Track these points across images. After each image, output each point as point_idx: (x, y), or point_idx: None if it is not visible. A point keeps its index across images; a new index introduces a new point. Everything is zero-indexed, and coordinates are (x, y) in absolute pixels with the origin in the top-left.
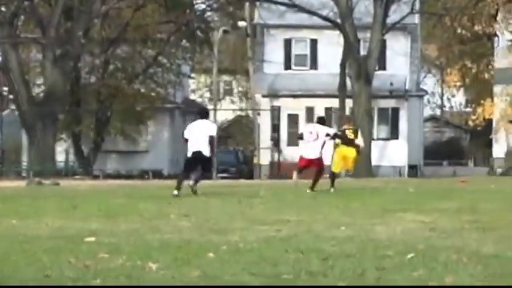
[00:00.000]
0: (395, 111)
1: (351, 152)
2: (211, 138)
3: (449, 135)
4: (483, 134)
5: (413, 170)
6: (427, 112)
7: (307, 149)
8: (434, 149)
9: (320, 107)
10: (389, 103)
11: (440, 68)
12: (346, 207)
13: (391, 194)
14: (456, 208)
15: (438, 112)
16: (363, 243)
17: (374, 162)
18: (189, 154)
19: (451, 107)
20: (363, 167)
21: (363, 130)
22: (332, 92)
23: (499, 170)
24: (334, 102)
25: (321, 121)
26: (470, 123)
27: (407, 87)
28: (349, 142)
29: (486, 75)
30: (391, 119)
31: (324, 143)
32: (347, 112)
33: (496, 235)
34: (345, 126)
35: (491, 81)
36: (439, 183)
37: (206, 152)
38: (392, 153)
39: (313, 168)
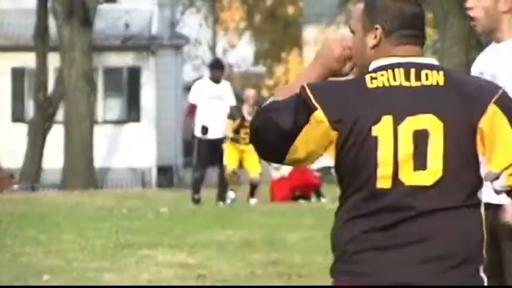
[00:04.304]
0: (135, 73)
1: None
2: None
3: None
4: None
5: (165, 175)
6: (190, 75)
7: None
8: None
9: (3, 66)
10: (125, 59)
11: None
12: (50, 243)
13: (129, 219)
14: (241, 241)
15: (208, 74)
16: None
17: (99, 161)
18: None
19: (230, 66)
20: (81, 170)
21: (78, 105)
22: (24, 42)
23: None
24: (28, 59)
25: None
26: (266, 93)
27: (154, 32)
28: None
29: (290, 10)
30: (128, 87)
31: None
32: (51, 75)
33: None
34: None
35: (299, 20)
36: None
37: None
38: (131, 147)
39: None
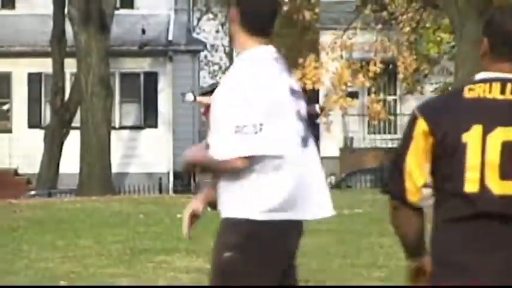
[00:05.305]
0: (152, 78)
1: None
2: None
3: None
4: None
5: (182, 180)
6: (207, 80)
7: None
8: None
9: (20, 72)
10: (141, 65)
11: (226, 3)
12: (67, 248)
13: (146, 224)
14: None
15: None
16: None
17: (116, 167)
18: None
19: None
20: (98, 175)
21: (95, 111)
22: (40, 47)
23: (331, 179)
24: (45, 64)
25: None
26: None
27: (171, 38)
28: None
29: (307, 15)
30: (145, 92)
31: None
32: (68, 81)
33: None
34: None
35: (315, 26)
36: None
37: None
38: (148, 152)
39: None
